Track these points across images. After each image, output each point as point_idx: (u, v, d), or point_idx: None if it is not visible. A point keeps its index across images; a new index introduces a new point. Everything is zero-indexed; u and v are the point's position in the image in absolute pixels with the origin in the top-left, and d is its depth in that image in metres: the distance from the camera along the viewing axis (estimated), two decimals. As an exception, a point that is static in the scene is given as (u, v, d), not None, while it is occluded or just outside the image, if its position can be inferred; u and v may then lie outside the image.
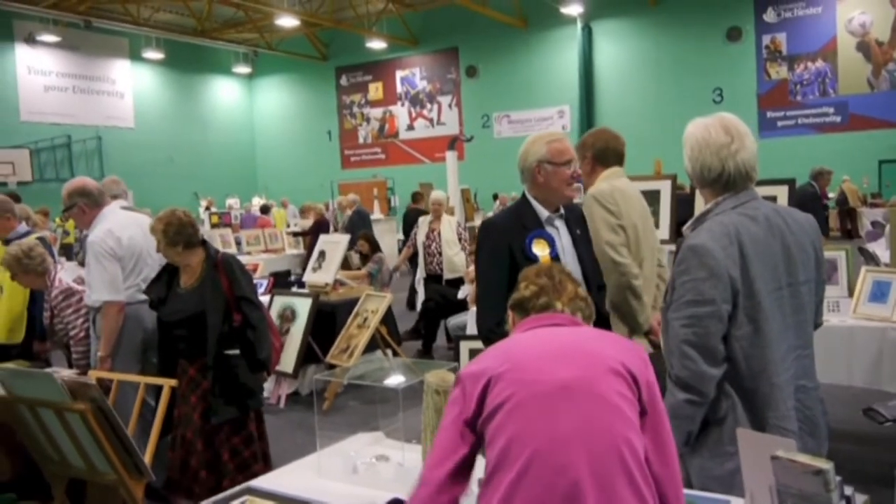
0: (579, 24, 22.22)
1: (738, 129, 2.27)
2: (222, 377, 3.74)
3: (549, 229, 2.92)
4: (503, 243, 2.86)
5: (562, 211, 3.00)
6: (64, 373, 4.00)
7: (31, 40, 22.89)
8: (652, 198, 5.07)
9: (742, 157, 2.24)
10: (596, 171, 3.64)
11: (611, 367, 1.67)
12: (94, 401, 3.14)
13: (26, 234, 5.29)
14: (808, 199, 8.93)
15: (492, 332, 2.70)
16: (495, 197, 19.98)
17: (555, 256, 2.82)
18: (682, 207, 5.71)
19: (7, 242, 5.09)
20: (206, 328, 3.71)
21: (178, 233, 3.75)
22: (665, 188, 5.09)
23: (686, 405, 2.16)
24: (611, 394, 1.63)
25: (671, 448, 1.73)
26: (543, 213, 2.94)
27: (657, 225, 5.00)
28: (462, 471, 1.70)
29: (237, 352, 3.80)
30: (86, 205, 4.38)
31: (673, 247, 4.95)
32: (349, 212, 12.02)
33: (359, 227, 10.64)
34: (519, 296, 1.94)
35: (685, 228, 2.36)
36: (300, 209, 18.28)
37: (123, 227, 4.32)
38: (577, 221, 3.08)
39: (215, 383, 3.73)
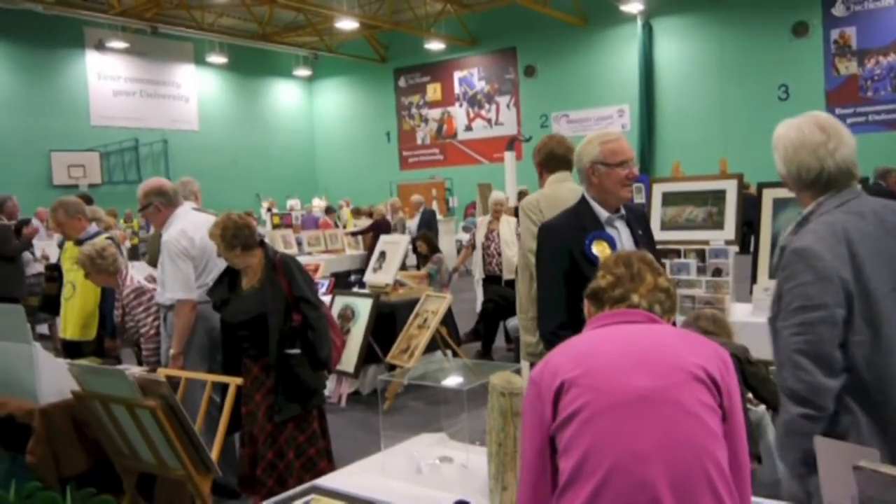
0: (639, 22, 21.91)
1: (834, 126, 2.17)
2: (284, 376, 3.80)
3: (608, 230, 2.88)
4: (563, 245, 2.84)
5: (622, 211, 2.96)
6: (134, 370, 4.11)
7: (100, 47, 23.62)
8: (717, 197, 4.99)
9: (841, 155, 2.14)
10: (544, 178, 3.80)
11: (691, 372, 1.60)
12: (163, 398, 3.22)
13: (97, 234, 5.46)
14: (882, 197, 8.61)
15: (554, 335, 2.67)
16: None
17: None
18: (748, 207, 5.58)
19: (79, 243, 5.26)
20: (268, 329, 3.77)
21: (234, 236, 3.81)
22: (731, 188, 4.97)
23: (802, 421, 2.00)
24: (692, 403, 1.56)
25: (745, 456, 1.67)
26: (603, 213, 2.91)
27: (721, 225, 4.92)
28: (552, 487, 1.65)
29: (298, 351, 3.85)
30: (161, 204, 4.49)
31: (737, 248, 4.87)
32: (401, 214, 12.13)
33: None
34: (595, 285, 1.87)
35: (787, 234, 2.25)
36: (352, 211, 18.48)
37: (196, 227, 4.41)
38: (638, 221, 3.04)
39: (278, 382, 3.79)
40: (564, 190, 3.62)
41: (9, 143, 21.33)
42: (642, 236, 3.00)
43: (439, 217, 18.49)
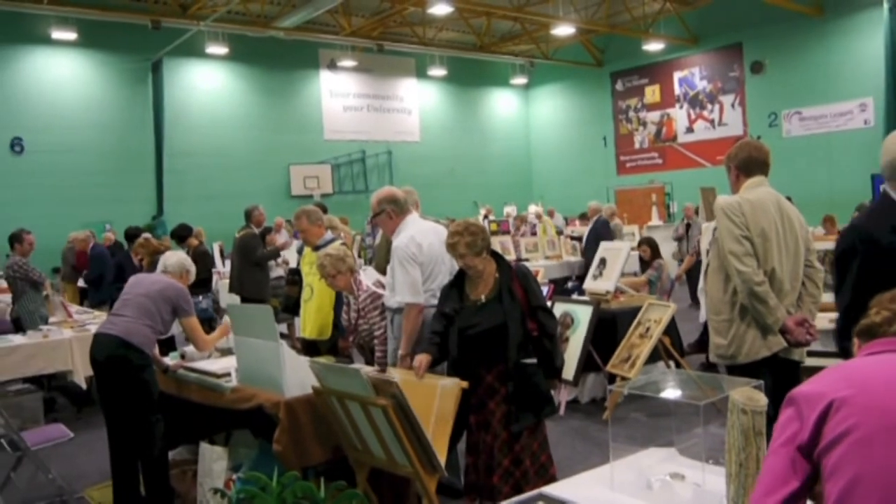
0: (886, 6, 19.87)
1: None
2: (521, 385, 3.80)
3: None
4: (871, 248, 2.62)
5: None
6: (367, 369, 4.33)
7: (332, 66, 25.40)
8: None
9: None
10: (740, 181, 3.85)
11: None
12: (395, 397, 3.35)
13: (332, 240, 5.84)
14: None
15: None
16: (789, 199, 18.51)
17: None
18: None
19: (317, 248, 5.65)
20: (503, 337, 3.78)
21: (483, 240, 3.89)
22: None
23: None
24: None
25: None
26: None
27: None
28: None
29: (534, 360, 3.84)
30: (393, 211, 4.70)
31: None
32: (617, 220, 11.86)
33: (599, 238, 10.47)
34: (868, 322, 1.73)
35: None
36: (564, 219, 18.33)
37: (424, 234, 4.57)
38: None
39: (515, 391, 3.80)
40: (764, 193, 3.75)
41: (254, 158, 23.51)
42: None
43: (658, 222, 17.92)
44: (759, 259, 3.65)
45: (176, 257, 4.95)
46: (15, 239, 7.88)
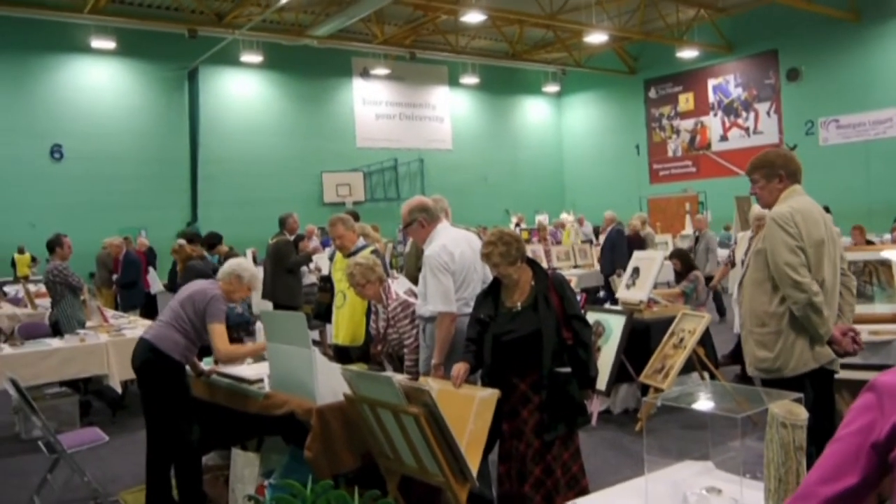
0: (926, 12, 19.58)
1: None
2: (555, 394, 3.77)
3: None
4: None
5: None
6: (399, 377, 4.31)
7: (365, 74, 25.56)
8: None
9: None
10: (782, 188, 3.78)
11: None
12: (426, 406, 3.34)
13: (364, 247, 5.86)
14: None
15: None
16: (827, 209, 18.21)
17: None
18: None
19: (350, 255, 5.67)
20: (538, 345, 3.76)
21: (518, 249, 3.88)
22: None
23: None
24: None
25: None
26: None
27: None
28: (850, 500, 1.37)
29: (569, 369, 3.81)
30: (425, 220, 4.70)
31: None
32: (649, 229, 11.71)
33: (615, 248, 10.39)
34: None
35: None
36: (594, 228, 18.20)
37: (456, 242, 4.56)
38: None
39: (549, 400, 3.77)
40: (808, 202, 3.73)
41: (287, 165, 23.71)
42: None
43: (692, 232, 17.71)
44: (812, 269, 3.61)
45: (230, 262, 4.90)
46: (55, 243, 8.01)
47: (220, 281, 4.74)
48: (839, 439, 1.40)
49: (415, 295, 4.90)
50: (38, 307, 10.48)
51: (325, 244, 11.29)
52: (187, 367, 4.69)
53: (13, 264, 18.64)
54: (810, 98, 22.46)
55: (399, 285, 5.16)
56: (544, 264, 11.14)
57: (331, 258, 7.48)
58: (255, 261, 15.20)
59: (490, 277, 4.17)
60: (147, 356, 4.49)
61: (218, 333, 4.57)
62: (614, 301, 7.49)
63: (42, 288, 12.01)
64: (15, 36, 19.69)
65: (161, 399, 4.51)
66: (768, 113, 23.83)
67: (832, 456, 1.38)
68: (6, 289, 12.35)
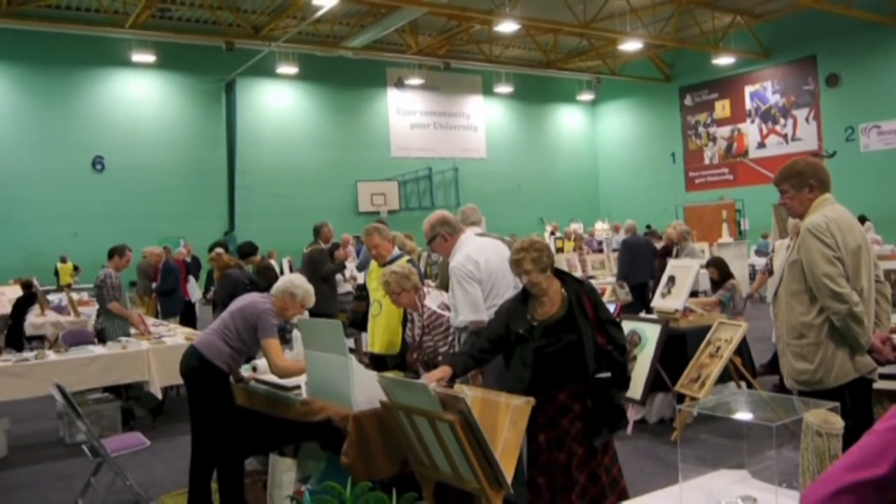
0: (970, 15, 19.19)
1: None
2: (599, 400, 3.78)
3: None
4: None
5: None
6: (434, 384, 4.34)
7: (399, 84, 25.75)
8: None
9: None
10: (813, 197, 3.75)
11: None
12: (461, 413, 3.37)
13: (399, 257, 5.90)
14: None
15: None
16: (862, 220, 17.91)
17: None
18: None
19: (385, 264, 5.72)
20: (578, 354, 3.76)
21: (549, 257, 3.89)
22: None
23: None
24: None
25: None
26: None
27: None
28: (871, 491, 1.34)
29: (609, 375, 3.81)
30: (447, 233, 4.73)
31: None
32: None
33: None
34: None
35: None
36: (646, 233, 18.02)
37: (480, 251, 4.58)
38: None
39: (594, 407, 3.78)
40: (842, 210, 3.71)
41: (323, 175, 23.95)
42: None
43: (729, 240, 17.51)
44: (850, 278, 3.57)
45: (283, 279, 4.91)
46: (116, 251, 7.98)
47: (272, 297, 4.79)
48: (874, 432, 1.38)
49: (448, 308, 4.90)
50: (81, 315, 10.72)
51: (357, 252, 11.34)
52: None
53: (56, 273, 19.06)
54: (850, 104, 22.11)
55: (432, 300, 5.15)
56: (579, 273, 11.11)
57: (359, 268, 7.52)
58: (291, 270, 15.35)
59: (520, 284, 4.12)
60: (193, 363, 4.59)
61: (272, 348, 4.58)
62: (650, 311, 7.45)
63: (85, 296, 12.26)
64: (59, 52, 20.20)
65: (206, 405, 4.60)
66: (807, 119, 23.50)
67: (864, 447, 1.37)
68: (49, 297, 12.62)
